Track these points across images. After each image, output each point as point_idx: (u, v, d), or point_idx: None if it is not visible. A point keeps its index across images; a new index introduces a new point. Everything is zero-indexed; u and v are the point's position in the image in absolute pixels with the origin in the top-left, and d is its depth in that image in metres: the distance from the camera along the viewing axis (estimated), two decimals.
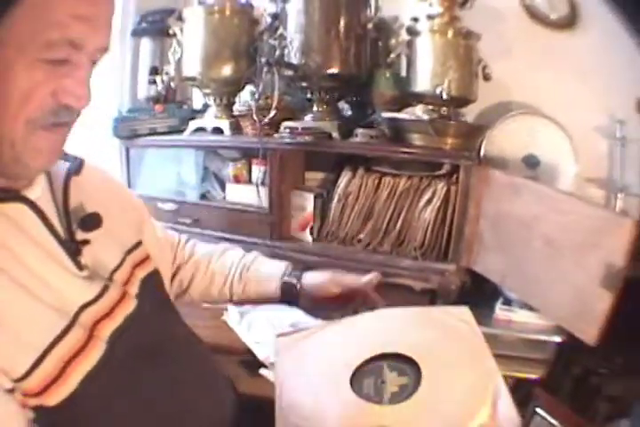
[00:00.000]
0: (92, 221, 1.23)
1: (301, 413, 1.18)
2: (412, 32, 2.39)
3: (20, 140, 0.97)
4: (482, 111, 2.61)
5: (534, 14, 2.49)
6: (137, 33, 3.07)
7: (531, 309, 2.10)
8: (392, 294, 2.22)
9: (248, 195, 2.65)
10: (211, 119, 2.72)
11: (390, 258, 2.37)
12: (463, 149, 2.27)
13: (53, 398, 0.97)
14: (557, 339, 2.01)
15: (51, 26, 0.92)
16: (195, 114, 2.92)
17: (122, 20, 3.04)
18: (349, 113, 2.79)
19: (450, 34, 2.30)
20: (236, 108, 2.77)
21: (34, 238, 1.06)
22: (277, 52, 2.42)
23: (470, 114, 2.56)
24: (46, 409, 0.97)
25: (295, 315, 1.89)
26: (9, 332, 0.95)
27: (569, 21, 2.44)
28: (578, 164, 2.32)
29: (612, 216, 1.86)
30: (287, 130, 2.48)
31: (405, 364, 1.20)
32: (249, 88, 2.70)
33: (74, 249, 1.13)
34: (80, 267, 1.13)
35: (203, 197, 2.88)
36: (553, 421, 1.77)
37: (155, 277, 1.40)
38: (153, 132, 2.86)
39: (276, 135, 2.53)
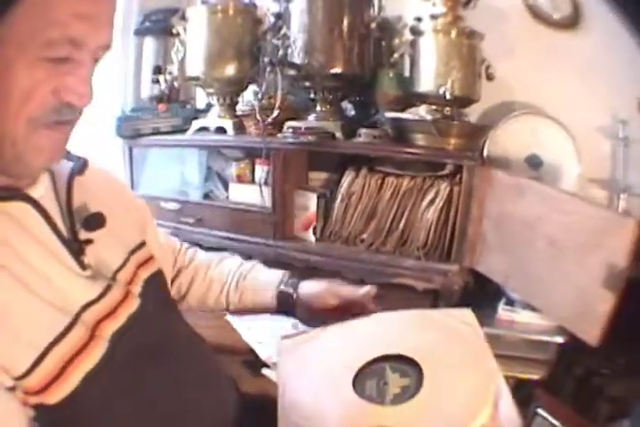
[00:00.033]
0: (96, 221, 1.23)
1: (303, 413, 1.18)
2: (416, 32, 2.39)
3: (22, 138, 0.98)
4: (485, 111, 2.61)
5: (537, 14, 2.49)
6: (140, 32, 3.07)
7: (533, 309, 2.10)
8: (394, 294, 2.24)
9: (251, 194, 2.65)
10: (214, 119, 2.72)
11: (393, 258, 2.36)
12: (466, 150, 2.27)
13: (54, 397, 0.97)
14: (560, 339, 2.01)
15: (51, 24, 0.92)
16: (198, 113, 2.92)
17: (125, 20, 3.04)
18: (353, 113, 2.79)
19: (453, 34, 2.30)
20: (240, 108, 2.77)
21: (37, 237, 1.06)
22: (280, 52, 2.42)
23: (473, 114, 2.56)
24: (47, 407, 0.97)
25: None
26: (10, 330, 0.95)
27: (572, 21, 2.44)
28: (581, 164, 2.31)
29: (615, 217, 1.85)
30: (290, 130, 2.48)
31: (407, 365, 1.20)
32: (252, 88, 2.70)
33: (77, 248, 1.14)
34: (83, 266, 1.13)
35: (206, 196, 2.88)
36: (554, 421, 1.77)
37: (158, 277, 1.41)
38: (156, 132, 2.86)
39: (279, 135, 2.52)
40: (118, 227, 1.32)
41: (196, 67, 2.63)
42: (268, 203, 2.58)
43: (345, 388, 1.18)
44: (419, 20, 2.39)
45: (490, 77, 2.37)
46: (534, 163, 2.37)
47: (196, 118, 2.83)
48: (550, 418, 1.77)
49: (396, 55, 2.44)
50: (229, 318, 2.10)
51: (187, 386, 1.26)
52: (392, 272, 2.32)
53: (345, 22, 2.41)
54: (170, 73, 2.81)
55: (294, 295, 1.58)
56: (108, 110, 2.90)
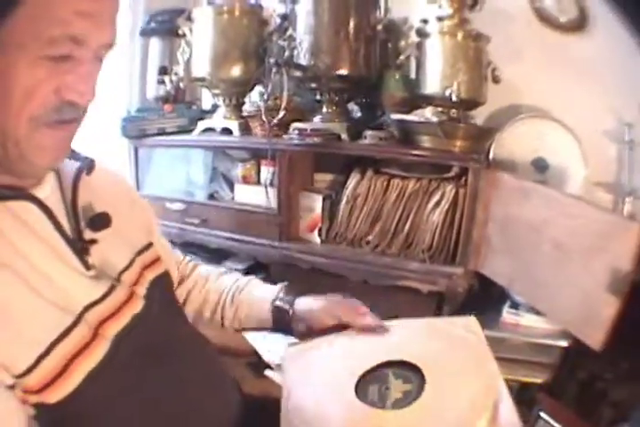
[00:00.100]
0: (101, 221, 1.23)
1: (305, 417, 1.19)
2: (422, 34, 2.39)
3: (24, 137, 0.98)
4: (491, 114, 2.60)
5: (544, 17, 2.48)
6: (146, 33, 3.07)
7: (538, 313, 2.09)
8: (399, 296, 2.24)
9: (256, 196, 2.65)
10: (220, 120, 2.73)
11: (398, 260, 2.36)
12: (472, 152, 2.27)
13: (55, 396, 0.98)
14: (564, 343, 2.00)
15: (53, 23, 0.92)
16: (204, 114, 2.93)
17: (131, 20, 3.05)
18: (359, 115, 2.78)
19: (459, 36, 2.29)
20: (246, 109, 2.77)
21: (41, 237, 1.07)
22: (286, 53, 2.42)
23: (480, 116, 2.55)
24: (47, 406, 0.97)
25: None
26: (11, 328, 0.95)
27: (578, 24, 2.43)
28: (586, 167, 2.31)
29: (620, 220, 1.85)
30: (296, 131, 2.48)
31: (410, 371, 1.20)
32: (258, 89, 2.70)
33: (81, 248, 1.14)
34: (87, 266, 1.14)
35: (211, 197, 2.88)
36: (557, 425, 1.77)
37: (164, 278, 1.41)
38: (162, 132, 2.86)
39: (284, 136, 2.53)
40: (124, 227, 1.32)
41: (201, 67, 2.64)
42: (274, 204, 2.58)
43: (347, 393, 1.18)
44: (425, 22, 2.38)
45: (496, 80, 2.36)
46: (540, 166, 2.36)
47: (201, 119, 2.83)
48: (553, 422, 1.77)
49: (402, 57, 2.44)
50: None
51: (190, 386, 1.26)
52: (397, 274, 2.31)
53: (351, 24, 2.41)
54: (176, 74, 2.80)
55: (290, 312, 1.51)
56: (113, 111, 2.91)
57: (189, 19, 2.68)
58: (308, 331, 1.46)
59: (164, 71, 2.97)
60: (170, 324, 1.33)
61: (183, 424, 1.20)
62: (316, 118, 2.56)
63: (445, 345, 1.28)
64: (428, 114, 2.41)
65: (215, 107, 2.86)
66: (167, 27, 2.95)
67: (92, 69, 1.02)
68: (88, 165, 1.25)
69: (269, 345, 1.98)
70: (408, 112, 2.46)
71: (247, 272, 2.73)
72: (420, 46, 2.41)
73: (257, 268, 2.76)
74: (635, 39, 2.13)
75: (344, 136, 2.43)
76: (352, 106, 2.74)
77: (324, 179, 2.77)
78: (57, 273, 1.06)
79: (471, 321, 1.37)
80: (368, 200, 2.45)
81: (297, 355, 1.40)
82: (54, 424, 0.99)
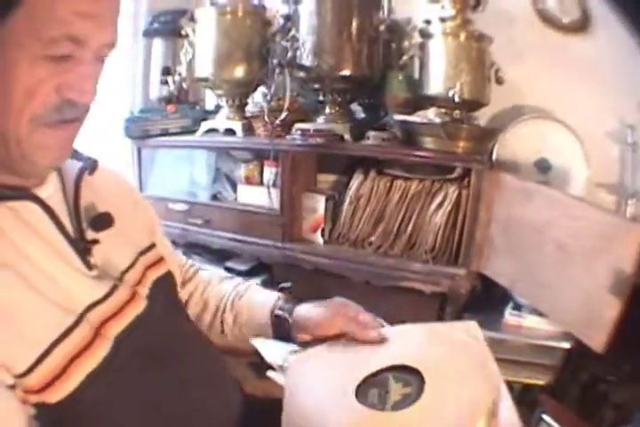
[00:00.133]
0: (103, 221, 1.23)
1: (306, 419, 1.19)
2: (425, 34, 2.39)
3: (25, 137, 0.99)
4: (494, 115, 2.60)
5: (546, 18, 2.48)
6: (149, 33, 3.07)
7: (540, 314, 2.09)
8: (402, 297, 2.24)
9: (259, 196, 2.65)
10: (223, 120, 2.73)
11: (401, 261, 2.36)
12: (475, 153, 2.26)
13: (55, 396, 0.98)
14: (566, 345, 2.00)
15: (53, 23, 0.93)
16: (207, 115, 2.93)
17: (134, 21, 3.05)
18: (362, 115, 2.78)
19: (462, 37, 2.29)
20: (249, 110, 2.77)
21: (43, 237, 1.07)
22: (289, 54, 2.41)
23: (483, 117, 2.55)
24: (48, 406, 0.97)
25: None
26: (12, 327, 0.95)
27: (581, 25, 2.43)
28: (589, 168, 2.31)
29: (622, 222, 1.85)
30: (299, 132, 2.48)
31: (410, 375, 1.20)
32: (261, 89, 2.70)
33: (83, 248, 1.15)
34: (89, 266, 1.14)
35: (214, 197, 2.88)
36: None
37: (167, 279, 1.41)
38: (165, 133, 2.86)
39: (287, 137, 2.52)
40: (127, 228, 1.33)
41: (204, 68, 2.64)
42: (277, 205, 2.58)
43: (348, 396, 1.19)
44: (428, 22, 2.38)
45: (499, 81, 2.36)
46: (543, 167, 2.36)
47: (204, 120, 2.83)
48: (555, 424, 1.77)
49: (405, 58, 2.43)
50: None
51: (192, 388, 1.26)
52: (399, 275, 2.31)
53: (354, 24, 2.41)
54: (179, 74, 2.81)
55: (289, 321, 1.49)
56: (116, 111, 2.91)
57: (192, 19, 2.68)
58: (307, 339, 1.45)
59: (166, 72, 2.97)
60: (172, 324, 1.33)
61: (184, 425, 1.21)
62: (319, 119, 2.56)
63: (446, 349, 1.29)
64: (430, 115, 2.41)
65: (218, 107, 2.86)
66: (170, 27, 2.95)
67: (92, 69, 1.02)
68: (91, 166, 1.25)
69: (271, 346, 1.98)
70: (411, 113, 2.46)
71: (250, 273, 2.74)
72: (422, 47, 2.41)
73: (260, 268, 2.76)
74: (637, 40, 2.13)
75: (347, 137, 2.43)
76: (355, 107, 2.74)
77: (326, 179, 2.77)
78: (59, 273, 1.07)
79: (472, 325, 1.37)
80: (371, 201, 2.44)
81: (299, 361, 1.40)
82: (55, 424, 0.99)
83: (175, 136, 2.86)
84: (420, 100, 2.45)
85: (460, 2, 2.29)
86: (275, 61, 2.43)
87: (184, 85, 2.87)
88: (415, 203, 2.35)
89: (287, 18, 2.51)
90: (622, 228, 1.79)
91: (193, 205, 2.85)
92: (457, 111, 2.36)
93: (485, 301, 2.26)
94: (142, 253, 1.35)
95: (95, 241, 1.18)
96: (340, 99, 2.54)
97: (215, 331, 1.58)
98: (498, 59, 2.37)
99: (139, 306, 1.21)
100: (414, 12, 2.57)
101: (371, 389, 1.20)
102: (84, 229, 1.18)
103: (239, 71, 2.59)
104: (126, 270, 1.25)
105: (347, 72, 2.42)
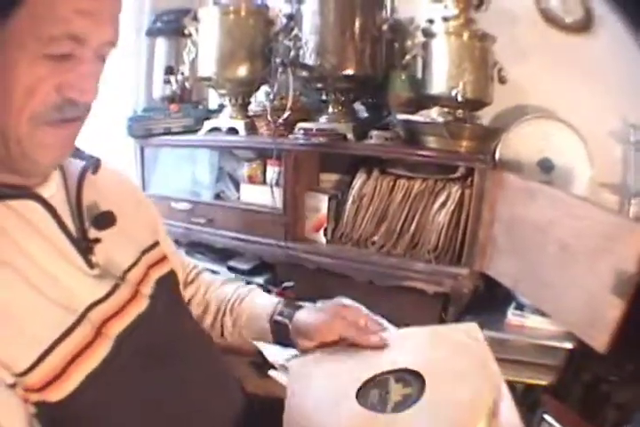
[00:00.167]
0: (106, 220, 1.23)
1: (306, 420, 1.18)
2: (428, 34, 2.38)
3: (26, 136, 0.99)
4: (497, 114, 2.60)
5: (549, 18, 2.47)
6: (152, 33, 3.08)
7: (543, 314, 2.08)
8: (404, 297, 2.24)
9: (262, 195, 2.65)
10: (226, 119, 2.73)
11: (403, 261, 2.36)
12: (478, 152, 2.26)
13: (56, 395, 0.98)
14: (569, 345, 1.99)
15: (53, 21, 0.93)
16: (210, 114, 2.93)
17: (137, 20, 3.05)
18: (365, 115, 2.78)
19: (465, 36, 2.29)
20: (252, 109, 2.77)
21: (44, 236, 1.07)
22: (292, 53, 2.41)
23: (486, 117, 2.55)
24: (48, 405, 0.97)
25: None
26: (12, 327, 0.96)
27: (584, 25, 2.42)
28: (592, 168, 2.30)
29: (625, 222, 1.85)
30: (302, 131, 2.48)
31: (411, 376, 1.21)
32: (264, 89, 2.70)
33: (85, 247, 1.14)
34: (91, 265, 1.14)
35: (217, 197, 2.88)
36: None
37: (170, 277, 1.41)
38: (168, 132, 2.86)
39: (290, 136, 2.52)
40: (129, 226, 1.33)
41: (207, 67, 2.64)
42: (280, 204, 2.58)
43: (349, 398, 1.19)
44: (431, 22, 2.38)
45: (502, 80, 2.36)
46: (546, 166, 2.36)
47: (207, 119, 2.83)
48: (556, 424, 1.76)
49: (408, 57, 2.43)
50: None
51: (193, 387, 1.26)
52: (402, 275, 2.31)
53: (357, 24, 2.40)
54: (182, 73, 2.81)
55: (289, 327, 1.47)
56: (119, 110, 2.91)
57: (195, 19, 2.68)
58: (308, 345, 1.44)
59: (169, 71, 2.98)
60: (174, 323, 1.33)
61: (185, 425, 1.21)
62: (322, 118, 2.57)
63: (447, 351, 1.29)
64: (433, 114, 2.41)
65: (221, 106, 2.87)
66: (173, 27, 2.95)
67: (93, 68, 1.02)
68: (94, 164, 1.25)
69: (273, 349, 1.98)
70: (414, 112, 2.46)
71: (253, 272, 2.75)
72: (425, 46, 2.41)
73: (262, 268, 2.77)
74: (638, 40, 2.12)
75: (350, 136, 2.43)
76: (358, 106, 2.74)
77: (329, 179, 2.77)
78: (60, 272, 1.07)
79: (472, 327, 1.37)
80: (374, 200, 2.44)
81: (301, 363, 1.40)
82: (55, 423, 0.99)
83: (178, 135, 2.87)
84: (422, 100, 2.45)
85: (462, 1, 2.29)
86: (277, 61, 2.43)
87: (187, 85, 2.87)
88: (418, 202, 2.35)
89: (290, 17, 2.51)
90: (625, 228, 1.79)
91: (196, 205, 2.85)
92: (460, 111, 2.36)
93: (488, 301, 2.26)
94: (145, 251, 1.35)
95: (97, 240, 1.17)
96: (342, 98, 2.54)
97: (215, 333, 1.59)
98: (501, 58, 2.36)
99: (141, 305, 1.21)
100: (417, 12, 2.56)
101: (371, 390, 1.20)
102: (87, 227, 1.17)
103: (242, 70, 2.59)
104: (129, 269, 1.25)
105: (349, 71, 2.42)
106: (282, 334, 1.49)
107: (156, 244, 1.41)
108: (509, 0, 2.49)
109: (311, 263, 2.53)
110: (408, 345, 1.36)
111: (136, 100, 3.17)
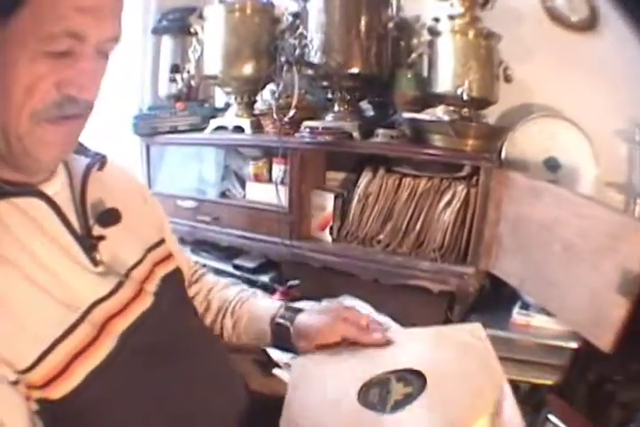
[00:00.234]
0: (111, 217, 1.24)
1: (304, 419, 1.19)
2: (434, 32, 2.38)
3: (26, 133, 0.99)
4: (503, 113, 2.59)
5: (555, 16, 2.46)
6: (158, 31, 3.08)
7: (548, 314, 2.08)
8: (410, 295, 2.24)
9: (268, 194, 2.64)
10: (232, 118, 2.73)
11: (409, 259, 2.35)
12: (484, 151, 2.25)
13: (58, 392, 0.98)
14: (574, 345, 1.99)
15: (52, 19, 0.93)
16: (216, 112, 2.93)
17: (143, 18, 3.06)
18: (371, 113, 2.78)
19: (471, 34, 2.28)
20: (257, 107, 2.77)
21: (48, 233, 1.08)
22: (298, 51, 2.41)
23: (492, 116, 2.54)
24: (50, 402, 0.98)
25: None
26: (15, 323, 0.96)
27: (589, 24, 2.41)
28: (598, 167, 2.30)
29: (631, 221, 1.84)
30: (307, 129, 2.47)
31: (413, 376, 1.21)
32: (270, 87, 2.70)
33: (89, 245, 1.15)
34: (95, 263, 1.14)
35: (223, 195, 2.89)
36: None
37: (176, 275, 1.42)
38: (174, 130, 2.87)
39: (296, 134, 2.52)
40: (135, 224, 1.33)
41: (213, 65, 2.65)
42: (285, 202, 2.58)
43: (349, 397, 1.19)
44: (436, 20, 2.37)
45: (508, 79, 2.35)
46: (552, 165, 2.36)
47: (213, 117, 2.84)
48: (561, 425, 1.76)
49: (413, 55, 2.43)
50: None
51: (197, 385, 1.26)
52: (408, 274, 2.31)
53: (362, 22, 2.40)
54: (187, 72, 2.81)
55: (290, 329, 1.47)
56: (125, 108, 2.92)
57: (201, 17, 2.69)
58: (310, 348, 1.44)
59: (175, 69, 2.98)
60: (179, 321, 1.33)
61: (189, 424, 1.20)
62: (328, 117, 2.56)
63: (450, 351, 1.29)
64: (439, 113, 2.40)
65: (227, 105, 2.87)
66: (179, 25, 2.96)
67: (93, 65, 1.02)
68: (99, 161, 1.26)
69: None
70: (420, 111, 2.45)
71: (258, 270, 2.75)
72: (431, 45, 2.40)
73: (268, 266, 2.78)
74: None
75: (356, 134, 2.43)
76: (364, 104, 2.74)
77: (335, 177, 2.77)
78: (64, 270, 1.07)
79: (476, 327, 1.37)
80: (379, 199, 2.44)
81: (302, 363, 1.41)
82: (57, 420, 0.99)
83: (184, 133, 2.88)
84: (428, 98, 2.44)
85: (468, 0, 2.29)
86: (283, 59, 2.44)
87: (193, 83, 2.88)
88: (424, 201, 2.35)
89: (295, 15, 2.52)
90: (631, 227, 1.78)
91: (202, 203, 2.86)
92: (465, 109, 2.35)
93: (493, 300, 2.26)
94: (151, 248, 1.36)
95: (102, 237, 1.18)
96: (348, 96, 2.53)
97: (215, 333, 1.59)
98: (506, 57, 2.36)
99: (145, 302, 1.22)
100: (423, 10, 2.56)
101: (372, 389, 1.20)
102: (91, 225, 1.18)
103: (248, 69, 2.59)
104: (133, 267, 1.25)
105: (355, 70, 2.41)
106: (283, 336, 1.49)
107: (161, 241, 1.42)
108: None
109: (317, 262, 2.53)
110: (411, 345, 1.36)
111: (142, 98, 3.17)
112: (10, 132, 0.99)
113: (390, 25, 2.46)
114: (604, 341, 1.78)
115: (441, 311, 2.28)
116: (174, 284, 1.39)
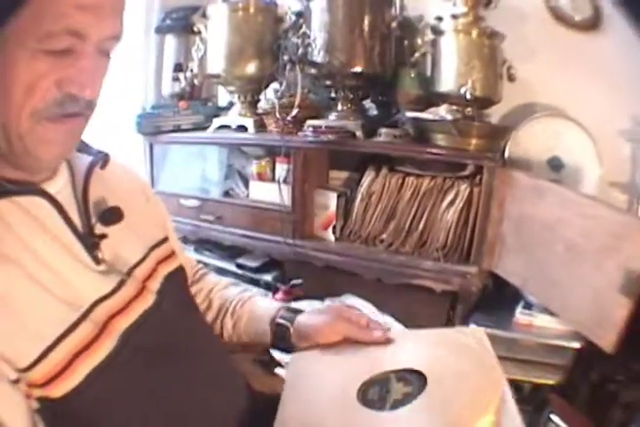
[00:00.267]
0: (113, 216, 1.23)
1: (302, 417, 1.18)
2: (437, 31, 2.38)
3: (27, 132, 0.99)
4: (506, 112, 2.59)
5: (558, 16, 2.46)
6: (161, 30, 3.09)
7: (551, 313, 2.08)
8: (413, 295, 2.24)
9: (271, 193, 2.65)
10: (235, 117, 2.73)
11: (412, 259, 2.35)
12: (487, 151, 2.25)
13: (59, 390, 0.98)
14: (576, 345, 1.99)
15: (54, 18, 0.92)
16: (219, 111, 2.93)
17: (146, 17, 3.06)
18: (374, 112, 2.77)
19: (474, 34, 2.28)
20: (261, 106, 2.76)
21: (50, 232, 1.07)
22: (301, 50, 2.41)
23: (495, 115, 2.54)
24: (51, 401, 0.98)
25: None
26: (16, 321, 0.96)
27: (593, 23, 2.41)
28: (601, 167, 2.30)
29: (634, 221, 1.83)
30: (311, 128, 2.47)
31: (413, 375, 1.20)
32: (273, 86, 2.70)
33: (91, 243, 1.14)
34: (97, 261, 1.14)
35: (226, 194, 2.89)
36: None
37: (179, 273, 1.41)
38: (177, 129, 2.87)
39: (299, 133, 2.52)
40: (138, 222, 1.32)
41: (216, 64, 2.65)
42: (288, 201, 2.58)
43: (348, 396, 1.18)
44: (440, 19, 2.37)
45: (511, 78, 2.35)
46: (555, 165, 2.35)
47: (217, 116, 2.84)
48: (563, 425, 1.76)
49: (417, 55, 2.42)
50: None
51: (198, 384, 1.25)
52: (411, 273, 2.31)
53: (366, 21, 2.40)
54: (191, 71, 2.81)
55: (291, 330, 1.46)
56: (128, 107, 2.92)
57: (204, 16, 2.69)
58: (310, 347, 1.44)
59: (179, 68, 2.99)
60: (181, 319, 1.32)
61: (189, 423, 1.20)
62: (331, 116, 2.56)
63: (450, 352, 1.28)
64: (442, 112, 2.39)
65: (230, 104, 2.87)
66: (182, 24, 2.97)
67: (94, 63, 1.01)
68: (102, 159, 1.25)
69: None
70: (423, 110, 2.45)
71: (261, 269, 2.75)
72: (434, 44, 2.40)
73: (271, 265, 2.78)
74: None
75: (359, 134, 2.42)
76: (367, 103, 2.73)
77: (338, 176, 2.77)
78: (66, 268, 1.07)
79: (477, 329, 1.38)
80: (382, 198, 2.44)
81: (300, 360, 1.40)
82: (57, 419, 0.99)
83: (187, 132, 2.88)
84: (431, 97, 2.44)
85: None
86: (286, 58, 2.44)
87: (196, 82, 2.89)
88: (427, 200, 2.35)
89: (299, 14, 2.52)
90: (634, 227, 1.78)
91: (205, 202, 2.86)
92: (469, 108, 2.35)
93: (496, 299, 2.26)
94: (154, 247, 1.35)
95: (104, 236, 1.17)
96: (351, 96, 2.53)
97: (215, 332, 1.58)
98: (509, 56, 2.36)
99: (147, 301, 1.21)
100: (426, 9, 2.56)
101: (372, 388, 1.20)
102: (93, 223, 1.17)
103: (251, 68, 2.60)
104: (136, 265, 1.24)
105: (358, 69, 2.41)
106: (283, 336, 1.48)
107: (165, 239, 1.41)
108: None
109: (319, 261, 2.53)
110: (411, 345, 1.36)
111: (145, 97, 3.18)
112: (11, 130, 0.98)
113: (393, 24, 2.46)
114: (607, 341, 1.78)
115: (443, 311, 2.28)
116: (177, 282, 1.38)
